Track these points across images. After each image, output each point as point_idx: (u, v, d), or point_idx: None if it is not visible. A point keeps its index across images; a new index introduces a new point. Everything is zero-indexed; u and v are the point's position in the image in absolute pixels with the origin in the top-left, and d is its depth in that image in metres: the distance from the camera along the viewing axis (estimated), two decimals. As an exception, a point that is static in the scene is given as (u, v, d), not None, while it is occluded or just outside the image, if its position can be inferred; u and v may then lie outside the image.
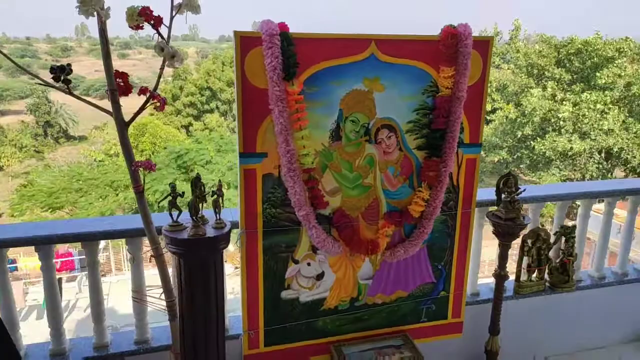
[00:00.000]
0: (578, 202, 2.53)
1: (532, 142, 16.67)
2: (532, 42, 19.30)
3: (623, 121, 15.59)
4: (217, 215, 1.55)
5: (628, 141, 15.51)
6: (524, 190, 2.03)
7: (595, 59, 16.40)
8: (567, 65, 17.17)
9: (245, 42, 1.57)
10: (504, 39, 20.84)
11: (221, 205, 1.57)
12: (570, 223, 2.44)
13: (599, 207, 2.84)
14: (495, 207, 2.08)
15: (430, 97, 1.81)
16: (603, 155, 16.43)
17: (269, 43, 1.54)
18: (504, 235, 2.04)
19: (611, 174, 16.91)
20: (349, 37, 1.70)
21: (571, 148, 15.56)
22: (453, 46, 1.74)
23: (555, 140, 15.76)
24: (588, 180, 16.42)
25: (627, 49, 16.35)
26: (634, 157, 15.58)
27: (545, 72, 17.44)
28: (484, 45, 1.82)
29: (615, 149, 15.69)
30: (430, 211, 1.86)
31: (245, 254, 1.77)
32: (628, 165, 16.40)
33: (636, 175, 16.49)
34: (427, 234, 1.91)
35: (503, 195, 2.02)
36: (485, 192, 2.22)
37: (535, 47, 18.11)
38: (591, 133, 15.57)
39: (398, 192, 1.89)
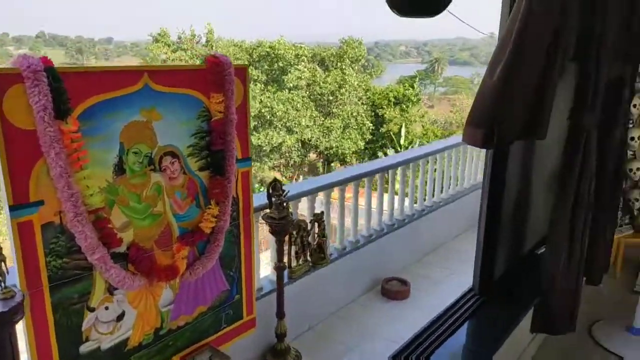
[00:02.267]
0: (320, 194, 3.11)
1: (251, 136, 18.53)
2: (222, 46, 20.83)
3: (310, 115, 18.94)
4: (3, 284, 1.31)
5: (318, 132, 19.03)
6: (288, 191, 2.40)
7: (280, 62, 19.24)
8: (260, 67, 19.52)
9: (2, 80, 1.35)
10: (202, 42, 21.87)
11: (5, 270, 1.32)
12: (318, 210, 2.98)
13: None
14: (268, 210, 2.39)
15: (205, 121, 1.94)
16: (300, 144, 19.64)
17: (34, 80, 1.38)
18: (279, 232, 2.37)
19: (307, 157, 20.42)
20: (120, 70, 1.66)
21: (284, 141, 18.07)
22: (219, 74, 1.92)
23: (269, 135, 17.91)
24: (292, 165, 19.55)
25: (303, 54, 19.78)
26: (322, 143, 19.25)
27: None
28: (242, 72, 2.07)
29: (309, 139, 19.03)
30: (221, 225, 2.01)
31: (31, 319, 1.53)
32: (317, 150, 20.19)
33: (323, 156, 20.51)
34: (221, 247, 2.05)
35: (273, 199, 2.35)
36: (256, 197, 2.51)
37: (229, 50, 19.73)
38: (294, 128, 18.40)
39: (187, 214, 1.96)
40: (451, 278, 3.56)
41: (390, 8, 0.95)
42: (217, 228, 2.01)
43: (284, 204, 2.36)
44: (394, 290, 3.38)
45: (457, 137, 4.67)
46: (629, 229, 3.24)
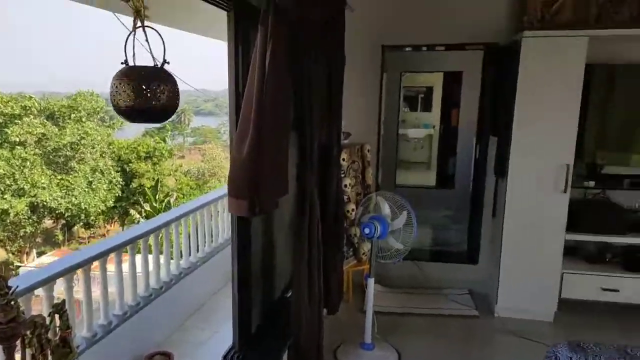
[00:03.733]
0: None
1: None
2: None
3: (44, 174, 16.55)
4: None
5: (56, 193, 16.68)
6: (17, 287, 2.04)
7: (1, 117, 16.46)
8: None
9: None
10: None
11: None
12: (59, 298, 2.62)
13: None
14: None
15: None
16: (31, 209, 16.82)
17: None
18: (9, 339, 1.98)
19: (41, 224, 17.62)
20: None
21: (10, 208, 15.05)
22: None
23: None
24: (22, 237, 16.54)
25: (33, 107, 17.35)
26: (61, 205, 16.94)
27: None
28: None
29: (45, 201, 16.48)
30: None
31: None
32: (55, 213, 17.67)
33: (63, 221, 18.10)
34: None
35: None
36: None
37: None
38: (24, 190, 15.60)
39: None
40: (215, 338, 3.60)
41: (117, 114, 0.99)
42: None
43: (12, 302, 2.00)
44: (158, 365, 3.21)
45: (210, 194, 4.84)
46: (353, 260, 3.94)
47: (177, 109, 1.01)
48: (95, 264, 3.02)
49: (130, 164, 20.16)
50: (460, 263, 4.61)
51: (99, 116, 20.31)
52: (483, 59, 4.13)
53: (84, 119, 18.59)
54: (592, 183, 3.78)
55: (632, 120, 3.63)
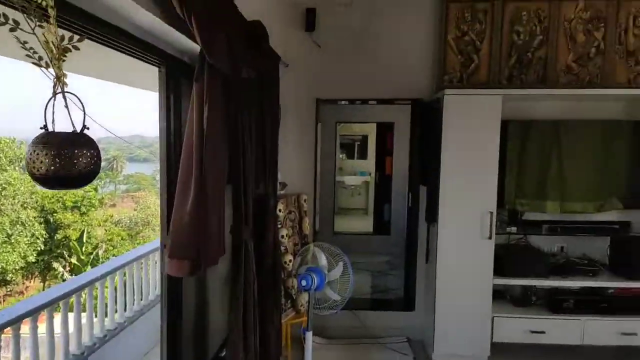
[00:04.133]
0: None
1: None
2: None
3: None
4: None
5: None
6: None
7: None
8: None
9: None
10: None
11: None
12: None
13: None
14: None
15: None
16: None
17: None
18: None
19: None
20: None
21: None
22: None
23: None
24: None
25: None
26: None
27: None
28: None
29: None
30: None
31: None
32: None
33: None
34: None
35: None
36: None
37: None
38: None
39: None
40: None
41: (33, 180, 0.95)
42: None
43: None
44: None
45: (140, 249, 4.62)
46: (292, 311, 3.86)
47: (97, 174, 0.99)
48: (7, 329, 2.75)
49: (55, 214, 18.88)
50: (398, 310, 4.66)
51: (21, 164, 19.07)
52: (411, 112, 4.38)
53: (5, 167, 17.37)
54: (514, 229, 4.03)
55: (544, 170, 3.96)
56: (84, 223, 19.07)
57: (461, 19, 3.94)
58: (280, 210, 3.75)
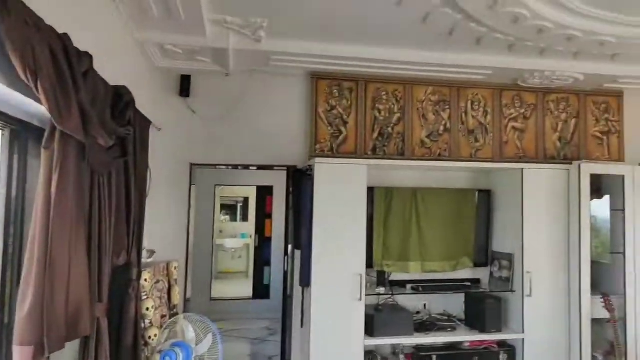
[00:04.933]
0: None
1: None
2: None
3: None
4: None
5: None
6: None
7: None
8: None
9: None
10: None
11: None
12: None
13: None
14: None
15: None
16: None
17: None
18: None
19: None
20: None
21: None
22: None
23: None
24: None
25: None
26: None
27: None
28: None
29: None
30: None
31: None
32: None
33: None
34: None
35: None
36: None
37: None
38: None
39: None
40: None
41: None
42: None
43: None
44: None
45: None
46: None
47: None
48: None
49: None
50: (275, 379, 4.53)
51: None
52: (287, 179, 4.53)
53: None
54: (382, 289, 4.25)
55: (407, 232, 4.32)
56: None
57: (329, 95, 4.29)
58: (146, 280, 3.51)
